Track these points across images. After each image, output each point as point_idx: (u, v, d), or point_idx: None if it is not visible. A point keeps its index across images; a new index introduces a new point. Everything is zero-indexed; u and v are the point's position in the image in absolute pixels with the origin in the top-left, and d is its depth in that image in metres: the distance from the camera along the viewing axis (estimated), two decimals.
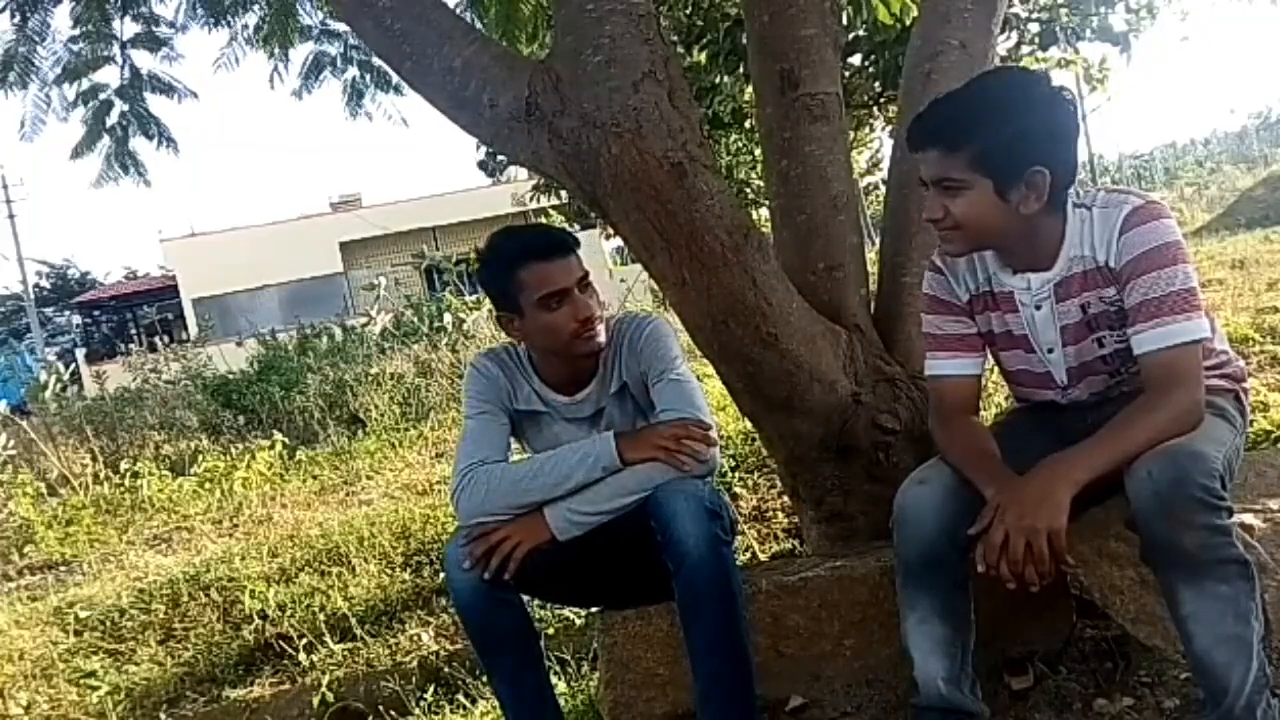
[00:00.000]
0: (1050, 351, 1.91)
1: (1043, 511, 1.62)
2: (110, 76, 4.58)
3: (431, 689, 2.63)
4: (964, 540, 1.75)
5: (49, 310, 39.28)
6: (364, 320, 15.29)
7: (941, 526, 1.80)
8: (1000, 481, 1.75)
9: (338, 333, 13.86)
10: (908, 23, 4.62)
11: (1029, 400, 2.08)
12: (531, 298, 2.11)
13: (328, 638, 3.30)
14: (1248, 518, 1.96)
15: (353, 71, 5.00)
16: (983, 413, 4.33)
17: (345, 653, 3.24)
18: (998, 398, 4.53)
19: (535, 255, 2.11)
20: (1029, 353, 1.95)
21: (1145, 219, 1.74)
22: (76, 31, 4.30)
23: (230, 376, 11.10)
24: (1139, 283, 1.73)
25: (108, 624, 4.14)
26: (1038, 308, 1.88)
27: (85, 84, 4.48)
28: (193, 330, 22.76)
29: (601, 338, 2.19)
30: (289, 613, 3.69)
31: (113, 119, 4.56)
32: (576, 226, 19.33)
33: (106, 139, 4.58)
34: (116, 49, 4.46)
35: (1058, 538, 1.62)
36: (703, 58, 6.38)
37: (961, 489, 1.82)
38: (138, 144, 4.65)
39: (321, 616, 3.53)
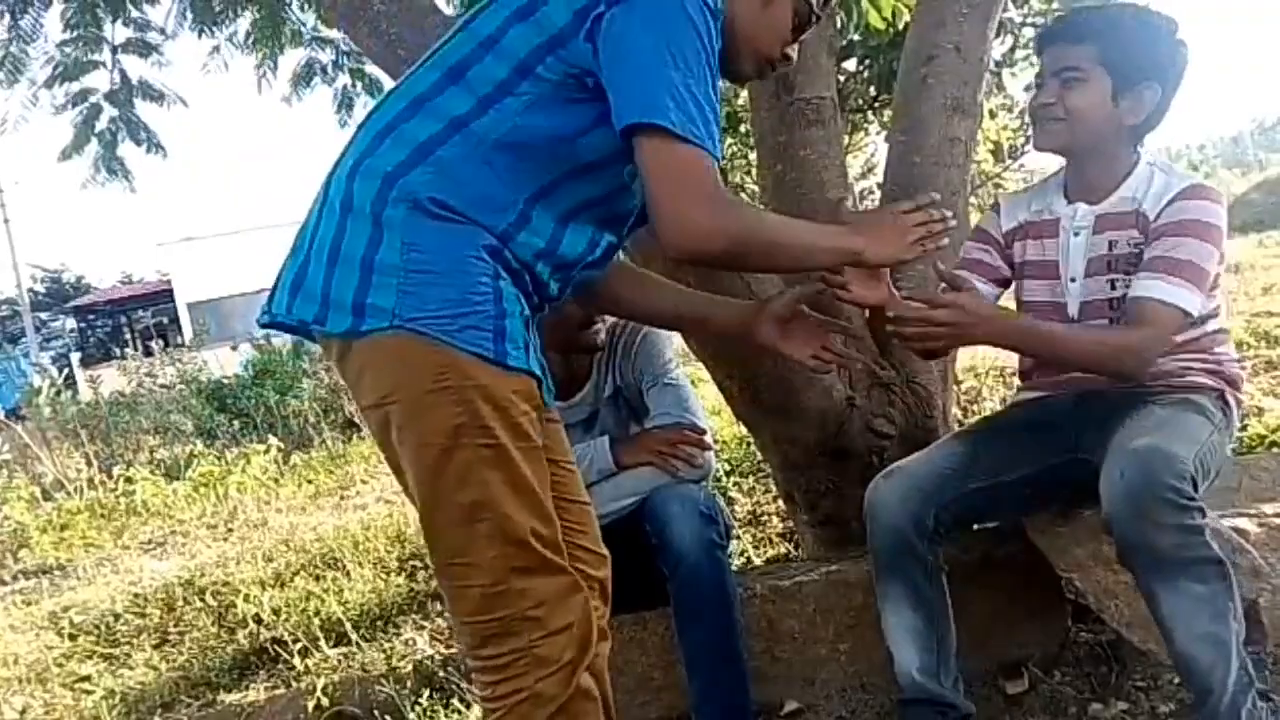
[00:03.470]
0: (1073, 281, 1.98)
1: (981, 333, 1.79)
2: (100, 81, 4.56)
3: (426, 693, 2.62)
4: (930, 528, 1.87)
5: (44, 315, 39.20)
6: None
7: (907, 515, 1.89)
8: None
9: None
10: (900, 27, 4.62)
11: None
12: None
13: (322, 642, 3.29)
14: (1242, 522, 1.97)
15: (344, 79, 5.01)
16: (973, 416, 4.34)
17: (340, 657, 3.23)
18: (992, 401, 4.54)
19: None
20: (1054, 280, 2.02)
21: (1201, 195, 1.85)
22: (68, 35, 4.29)
23: (225, 381, 11.07)
24: (1164, 241, 1.83)
25: (102, 628, 4.12)
26: (1076, 234, 1.97)
27: (75, 87, 4.47)
28: (188, 334, 22.72)
29: (603, 335, 2.21)
30: (284, 617, 3.68)
31: (102, 124, 4.55)
32: None
33: (95, 143, 4.57)
34: (107, 53, 4.46)
35: (950, 344, 1.87)
36: None
37: (925, 480, 1.92)
38: (126, 149, 4.65)
39: (316, 621, 3.52)
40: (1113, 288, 1.92)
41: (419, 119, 1.40)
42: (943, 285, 1.84)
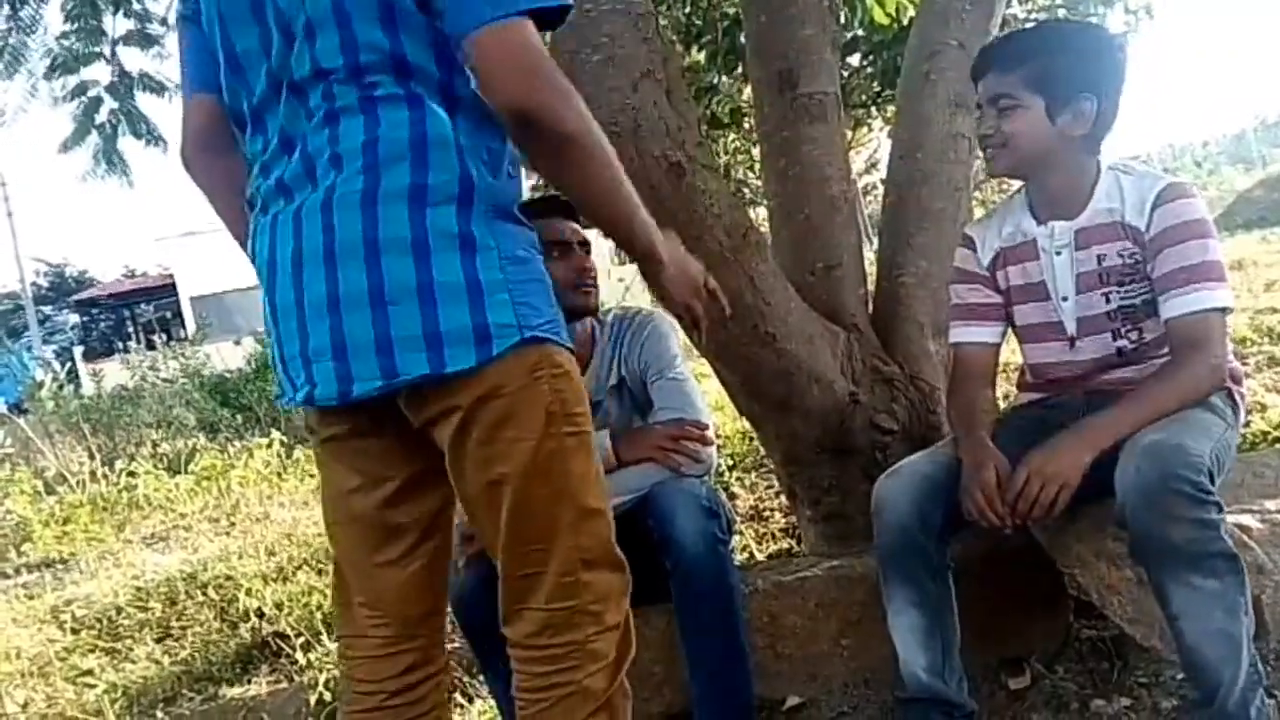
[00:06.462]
0: (1065, 300, 1.98)
1: (1067, 466, 1.72)
2: (100, 74, 4.56)
3: None
4: (937, 527, 1.86)
5: (47, 308, 39.24)
6: None
7: (914, 513, 1.88)
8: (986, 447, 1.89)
9: None
10: (905, 22, 4.61)
11: (1039, 364, 2.11)
12: None
13: (325, 636, 3.29)
14: (1245, 519, 1.96)
15: None
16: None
17: None
18: (995, 395, 4.52)
19: (539, 213, 2.12)
20: (1044, 300, 2.01)
21: (1180, 195, 1.85)
22: (68, 27, 4.29)
23: (228, 375, 11.08)
24: (1173, 251, 1.81)
25: (105, 622, 4.13)
26: (1058, 253, 1.97)
27: (75, 80, 4.47)
28: (190, 328, 22.72)
29: (596, 299, 2.22)
30: (286, 611, 3.68)
31: (102, 116, 4.54)
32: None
33: (95, 136, 4.57)
34: (107, 46, 4.45)
35: (1067, 491, 1.71)
36: (701, 57, 6.37)
37: (933, 478, 1.91)
38: (127, 143, 4.65)
39: (319, 615, 3.51)
40: (1108, 300, 1.92)
41: (420, 115, 1.33)
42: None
